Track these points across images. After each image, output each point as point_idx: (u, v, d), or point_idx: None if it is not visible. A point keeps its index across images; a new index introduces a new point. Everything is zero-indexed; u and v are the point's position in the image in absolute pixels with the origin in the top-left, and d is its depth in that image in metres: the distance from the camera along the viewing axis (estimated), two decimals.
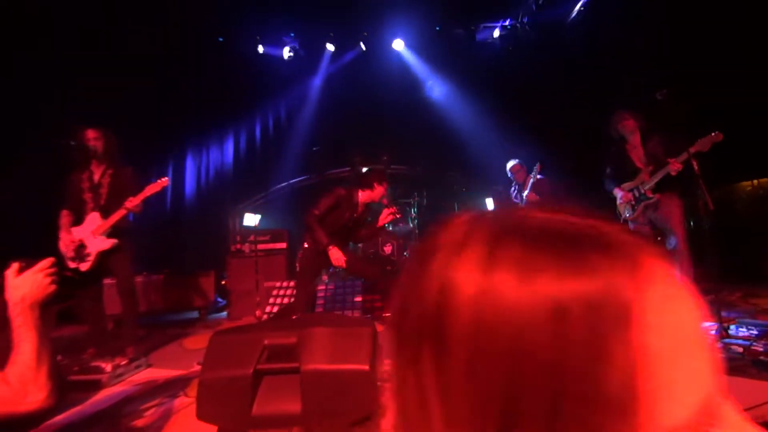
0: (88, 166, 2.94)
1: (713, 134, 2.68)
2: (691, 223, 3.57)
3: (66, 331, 4.04)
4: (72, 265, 2.82)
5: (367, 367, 1.38)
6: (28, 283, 0.96)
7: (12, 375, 0.85)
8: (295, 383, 1.41)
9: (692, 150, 2.69)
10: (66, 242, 2.83)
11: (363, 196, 3.01)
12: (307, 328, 1.53)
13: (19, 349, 0.87)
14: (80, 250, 2.83)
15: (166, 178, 2.98)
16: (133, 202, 2.81)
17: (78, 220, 2.90)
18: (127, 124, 4.60)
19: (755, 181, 4.94)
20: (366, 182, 3.02)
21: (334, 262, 2.85)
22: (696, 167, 2.59)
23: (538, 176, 3.81)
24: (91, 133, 2.90)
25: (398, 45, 6.46)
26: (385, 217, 3.01)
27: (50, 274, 1.00)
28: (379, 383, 1.50)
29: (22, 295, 0.94)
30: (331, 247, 2.80)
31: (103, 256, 2.86)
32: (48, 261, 1.02)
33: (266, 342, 1.52)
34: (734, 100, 4.55)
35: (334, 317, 1.64)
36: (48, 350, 0.93)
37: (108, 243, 2.86)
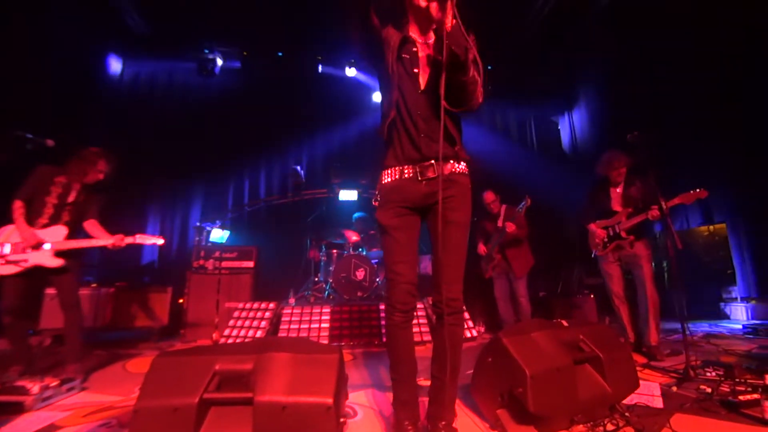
0: (70, 176, 2.75)
1: (698, 191, 2.74)
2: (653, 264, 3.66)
3: None
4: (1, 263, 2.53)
5: (330, 401, 1.24)
6: None
7: None
8: (247, 416, 1.24)
9: (676, 201, 2.76)
10: (27, 236, 2.55)
11: None
12: (265, 352, 1.37)
13: None
14: (29, 251, 2.55)
15: (163, 240, 2.95)
16: (120, 242, 2.74)
17: (28, 221, 2.61)
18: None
19: (711, 227, 5.25)
20: None
21: None
22: (666, 210, 2.67)
23: (518, 208, 3.72)
24: (104, 155, 2.86)
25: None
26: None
27: None
28: (342, 419, 1.35)
29: None
30: None
31: (38, 270, 2.58)
32: None
33: (217, 367, 1.35)
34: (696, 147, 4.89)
35: (297, 342, 1.49)
36: None
37: (54, 262, 2.60)
